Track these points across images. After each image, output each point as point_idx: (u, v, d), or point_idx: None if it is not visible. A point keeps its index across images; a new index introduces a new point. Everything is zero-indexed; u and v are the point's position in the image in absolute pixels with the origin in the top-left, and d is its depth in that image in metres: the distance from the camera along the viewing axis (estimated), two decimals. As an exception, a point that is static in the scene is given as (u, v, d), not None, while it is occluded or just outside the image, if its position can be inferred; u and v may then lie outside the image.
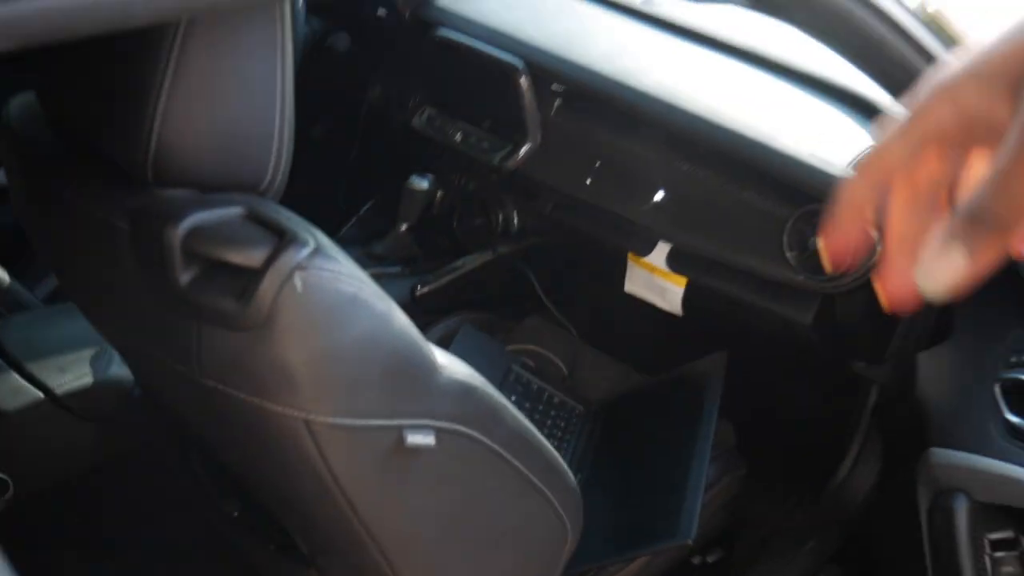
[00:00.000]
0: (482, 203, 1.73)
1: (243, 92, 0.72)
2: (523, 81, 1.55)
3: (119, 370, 1.35)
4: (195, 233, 0.70)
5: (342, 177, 1.94)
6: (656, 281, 1.55)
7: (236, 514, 1.11)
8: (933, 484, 1.17)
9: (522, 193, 1.69)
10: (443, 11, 1.69)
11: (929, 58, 1.03)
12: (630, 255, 1.56)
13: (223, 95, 0.71)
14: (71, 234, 0.80)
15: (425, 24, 1.69)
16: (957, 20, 1.15)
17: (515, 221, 1.72)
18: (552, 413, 1.51)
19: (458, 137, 1.66)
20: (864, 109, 1.40)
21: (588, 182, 1.54)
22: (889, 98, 1.26)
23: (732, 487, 1.45)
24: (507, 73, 1.55)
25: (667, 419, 1.45)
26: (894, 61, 1.04)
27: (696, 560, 1.46)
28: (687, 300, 1.53)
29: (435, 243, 1.78)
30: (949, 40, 1.10)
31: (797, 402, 1.73)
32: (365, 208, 1.90)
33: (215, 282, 0.70)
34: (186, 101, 0.69)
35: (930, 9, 1.06)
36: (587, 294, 1.78)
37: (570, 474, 1.03)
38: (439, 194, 1.74)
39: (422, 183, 1.66)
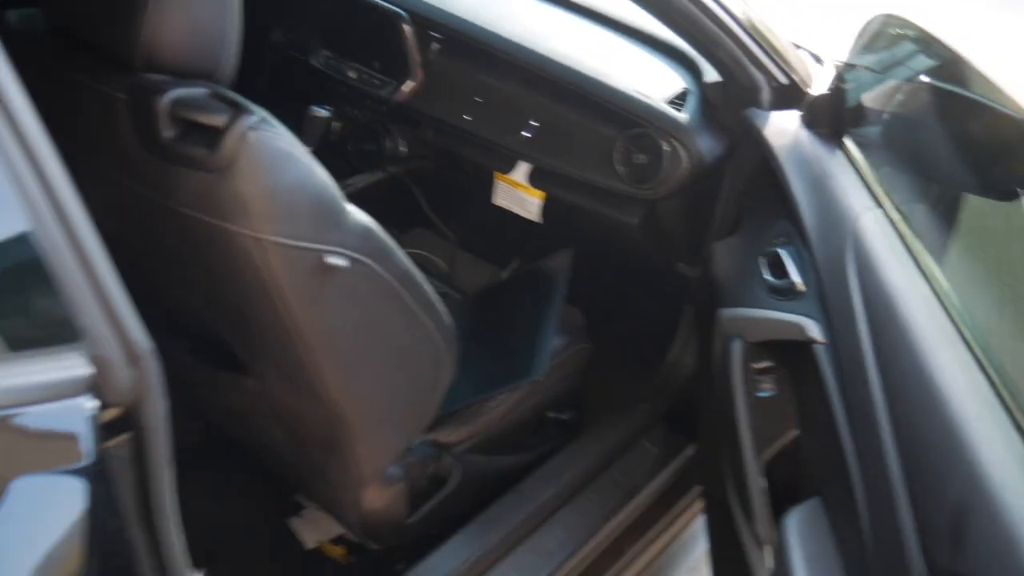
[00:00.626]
0: (373, 131, 2.04)
1: (207, 5, 1.01)
2: (406, 28, 1.86)
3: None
4: (176, 102, 1.00)
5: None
6: (518, 194, 1.90)
7: (185, 350, 1.39)
8: (721, 335, 1.54)
9: (407, 123, 2.00)
10: (338, -35, 1.98)
11: (708, 13, 1.41)
12: (496, 173, 1.90)
13: (193, 5, 1.00)
14: (72, 105, 1.07)
15: (321, -25, 1.98)
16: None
17: (401, 146, 2.03)
18: (433, 301, 1.84)
19: (352, 74, 1.96)
20: (674, 55, 1.77)
21: (464, 114, 1.87)
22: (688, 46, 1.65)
23: (581, 357, 1.80)
24: (392, 21, 1.86)
25: (525, 301, 1.80)
26: (683, 15, 1.41)
27: (552, 415, 1.81)
28: (544, 209, 1.88)
29: (332, 165, 2.07)
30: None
31: (634, 295, 2.11)
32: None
33: (190, 137, 1.00)
34: (166, 8, 0.98)
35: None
36: (463, 208, 2.10)
37: (448, 317, 1.36)
38: (335, 123, 2.03)
39: (321, 112, 1.94)
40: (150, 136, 1.01)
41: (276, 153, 1.02)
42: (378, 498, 1.44)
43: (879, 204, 1.30)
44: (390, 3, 1.88)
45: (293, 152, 1.04)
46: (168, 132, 1.00)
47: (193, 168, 1.01)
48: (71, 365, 0.70)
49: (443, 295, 1.87)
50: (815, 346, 1.28)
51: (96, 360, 0.71)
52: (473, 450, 1.62)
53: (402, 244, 2.06)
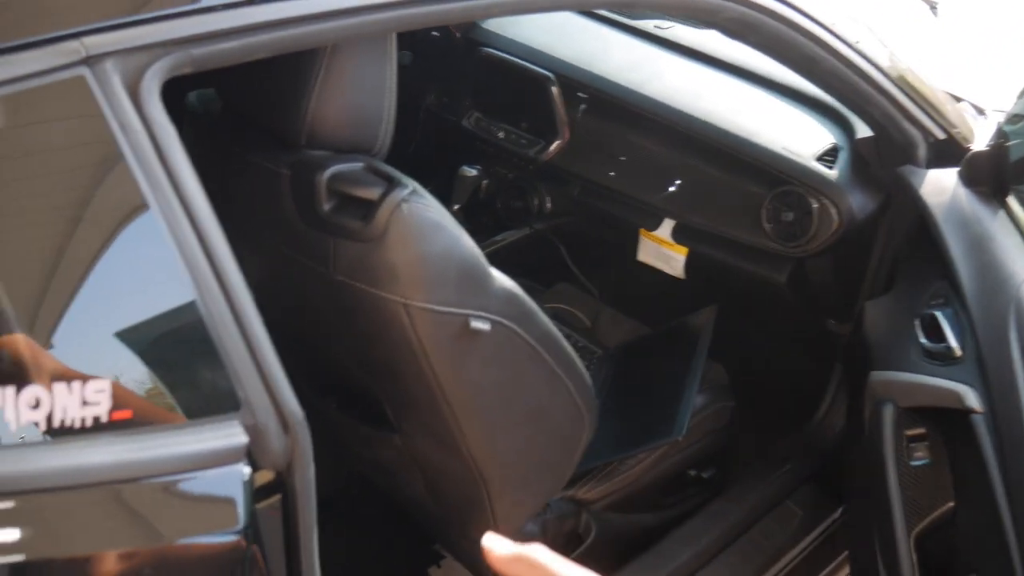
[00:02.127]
0: (520, 189, 2.10)
1: (366, 86, 1.09)
2: (554, 89, 1.91)
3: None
4: (334, 177, 1.07)
5: (403, 169, 2.30)
6: (663, 251, 1.91)
7: (334, 406, 1.47)
8: (871, 397, 1.50)
9: (554, 181, 2.05)
10: (488, 32, 2.06)
11: (855, 70, 1.39)
12: (641, 230, 1.92)
13: (354, 88, 1.08)
14: (240, 179, 1.17)
15: (473, 43, 2.07)
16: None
17: (548, 204, 2.08)
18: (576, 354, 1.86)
19: (501, 135, 2.03)
20: (824, 111, 1.74)
21: (609, 171, 1.90)
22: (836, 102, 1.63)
23: (723, 414, 1.78)
24: (541, 83, 1.92)
25: (668, 357, 1.80)
26: (831, 73, 1.39)
27: (692, 473, 1.79)
28: (688, 266, 1.88)
29: (481, 221, 2.14)
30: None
31: (780, 353, 2.06)
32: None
33: (347, 210, 1.07)
34: (331, 91, 1.06)
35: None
36: (607, 263, 2.13)
37: (588, 377, 1.38)
38: (484, 182, 2.11)
39: (472, 171, 2.03)
40: (310, 208, 1.08)
41: (426, 223, 1.07)
42: (516, 554, 1.46)
43: (1043, 268, 1.24)
44: (539, 66, 1.94)
45: (442, 222, 1.09)
46: (326, 205, 1.07)
47: (349, 239, 1.07)
48: (231, 434, 0.76)
49: (584, 350, 1.90)
50: (973, 416, 1.22)
51: (253, 428, 0.77)
52: (611, 508, 1.63)
53: (546, 299, 2.13)
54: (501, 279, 1.17)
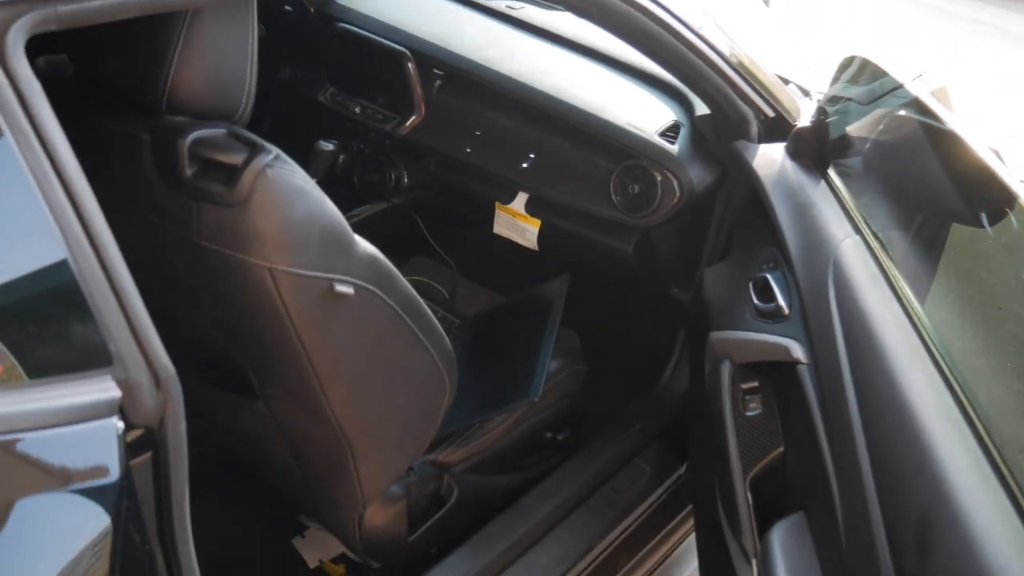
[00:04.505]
0: (378, 163, 2.12)
1: (228, 53, 1.09)
2: (410, 66, 1.95)
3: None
4: (196, 142, 1.07)
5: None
6: (517, 223, 1.97)
7: (194, 374, 1.46)
8: (711, 356, 1.61)
9: (411, 155, 2.09)
10: (343, 7, 2.07)
11: (693, 50, 1.49)
12: (496, 203, 1.98)
13: (215, 54, 1.08)
14: (98, 146, 1.15)
15: (328, 17, 2.08)
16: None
17: (405, 178, 2.11)
18: (435, 326, 1.91)
19: (357, 110, 2.05)
20: (666, 90, 1.85)
21: (465, 147, 1.95)
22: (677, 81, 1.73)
23: (577, 378, 1.87)
24: (397, 59, 1.95)
25: (523, 325, 1.87)
26: (670, 52, 1.49)
27: (548, 435, 1.87)
28: (541, 237, 1.96)
29: (338, 196, 2.15)
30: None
31: (628, 319, 2.18)
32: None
33: (209, 175, 1.08)
34: (191, 56, 1.06)
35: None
36: (463, 236, 2.18)
37: (448, 342, 1.43)
38: (341, 156, 2.12)
39: (328, 146, 2.02)
40: (172, 174, 1.08)
41: (290, 188, 1.09)
42: (379, 516, 1.50)
43: (859, 231, 1.37)
44: (395, 42, 1.97)
45: (305, 187, 1.11)
46: (189, 170, 1.08)
47: (212, 203, 1.08)
48: (103, 388, 0.76)
49: (443, 320, 1.95)
50: (799, 366, 1.34)
51: (125, 383, 0.78)
52: (472, 470, 1.69)
53: (404, 272, 2.15)
54: (363, 244, 1.21)
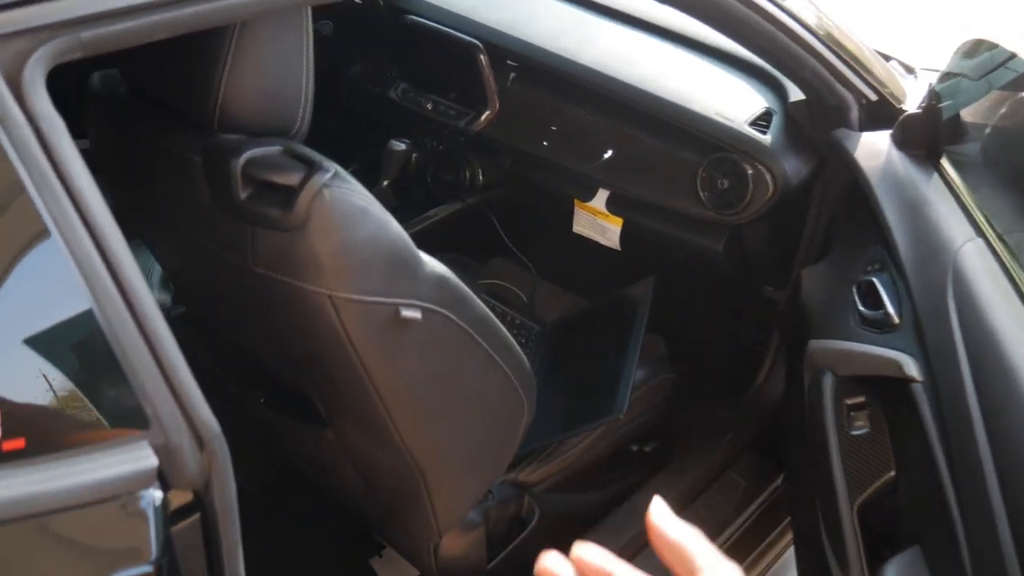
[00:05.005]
0: (451, 162, 2.04)
1: (281, 65, 1.02)
2: (482, 58, 1.85)
3: (157, 294, 1.63)
4: (250, 162, 1.00)
5: (327, 144, 2.22)
6: (598, 222, 1.87)
7: (262, 400, 1.41)
8: (811, 367, 1.48)
9: (485, 152, 1.99)
10: (412, -1, 1.99)
11: (787, 33, 1.36)
12: (576, 201, 1.88)
13: (268, 65, 1.01)
14: (150, 165, 1.09)
15: (397, 11, 1.99)
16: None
17: (480, 176, 2.02)
18: (513, 332, 1.82)
19: (429, 106, 1.96)
20: (757, 74, 1.72)
21: (541, 142, 1.85)
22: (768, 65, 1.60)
23: (663, 387, 1.76)
24: (468, 51, 1.86)
25: (606, 331, 1.77)
26: (762, 36, 1.36)
27: (635, 448, 1.77)
28: (624, 236, 1.84)
29: (412, 197, 2.08)
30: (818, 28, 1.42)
31: (718, 322, 2.05)
32: (350, 169, 2.17)
33: (265, 197, 1.01)
34: (242, 72, 0.99)
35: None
36: (542, 236, 2.08)
37: (525, 359, 1.34)
38: (414, 155, 2.04)
39: (400, 145, 1.96)
40: (225, 197, 1.01)
41: (350, 209, 1.01)
42: (456, 546, 1.43)
43: (981, 233, 1.22)
44: (466, 33, 1.87)
45: (367, 207, 1.03)
46: (243, 192, 1.01)
47: (268, 228, 1.01)
48: (139, 456, 0.69)
49: (522, 327, 1.86)
50: (913, 385, 1.21)
51: (163, 448, 0.71)
52: (553, 489, 1.60)
53: (481, 275, 2.08)
54: (431, 263, 1.12)
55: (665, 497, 1.79)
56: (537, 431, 1.50)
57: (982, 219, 1.24)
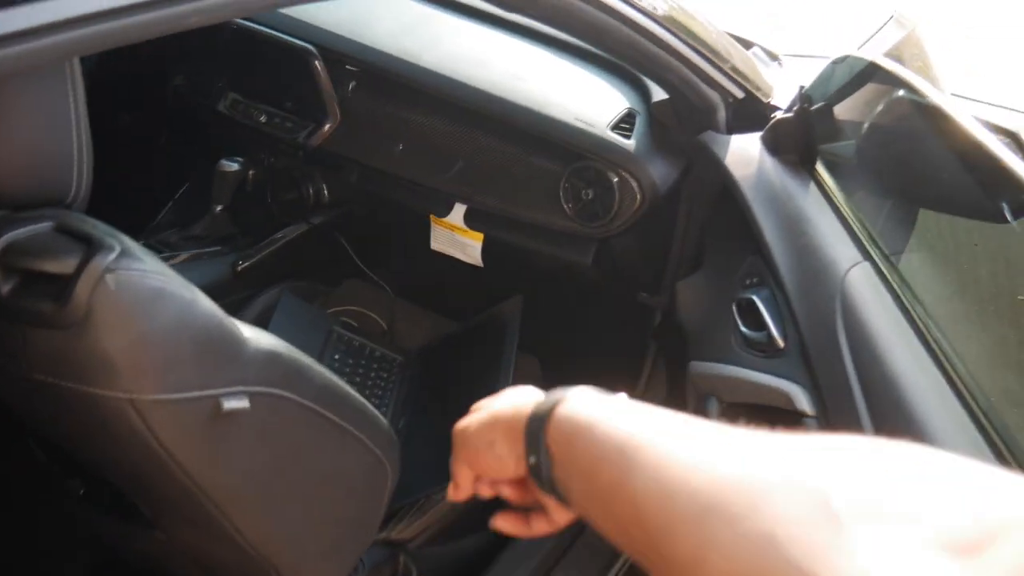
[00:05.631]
0: (292, 179, 1.84)
1: (41, 123, 0.82)
2: (317, 64, 1.66)
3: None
4: (10, 248, 0.80)
5: (154, 163, 1.99)
6: (457, 238, 1.72)
7: (81, 492, 1.21)
8: (694, 391, 1.39)
9: (329, 167, 1.81)
10: None
11: (650, 37, 1.23)
12: (432, 216, 1.72)
13: (23, 127, 0.81)
14: None
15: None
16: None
17: (325, 193, 1.84)
18: (374, 366, 1.66)
19: (263, 119, 1.76)
20: (617, 71, 1.59)
21: (389, 153, 1.67)
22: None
23: (539, 413, 1.64)
24: (302, 57, 1.66)
25: (475, 359, 1.63)
26: (623, 43, 1.23)
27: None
28: (485, 252, 1.70)
29: (252, 219, 1.87)
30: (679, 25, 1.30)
31: (592, 335, 1.94)
32: (180, 192, 1.96)
33: (34, 289, 0.81)
34: (-12, 136, 0.79)
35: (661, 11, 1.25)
36: (397, 255, 1.92)
37: (381, 417, 1.18)
38: (250, 173, 1.83)
39: (232, 165, 1.75)
40: (-19, 293, 0.81)
41: (142, 295, 0.83)
42: (332, 627, 1.27)
43: (867, 255, 1.13)
44: (298, 38, 1.68)
45: (165, 288, 0.85)
46: (4, 286, 0.81)
47: (41, 326, 0.82)
48: None
49: (382, 359, 1.70)
50: (806, 419, 1.12)
51: None
52: (431, 541, 1.46)
53: (333, 301, 1.90)
54: (255, 339, 0.95)
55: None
56: (406, 484, 1.35)
57: (866, 238, 1.15)
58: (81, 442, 0.94)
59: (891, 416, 1.00)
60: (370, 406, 1.15)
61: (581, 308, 1.90)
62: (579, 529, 1.62)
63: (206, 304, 0.89)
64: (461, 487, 0.68)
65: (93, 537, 1.27)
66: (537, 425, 0.57)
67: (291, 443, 1.03)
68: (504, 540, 1.57)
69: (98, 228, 0.85)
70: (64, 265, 0.80)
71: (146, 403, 0.85)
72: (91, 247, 0.82)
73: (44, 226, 0.83)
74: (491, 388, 1.49)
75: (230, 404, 0.91)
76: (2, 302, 0.81)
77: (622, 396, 0.58)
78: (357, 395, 1.12)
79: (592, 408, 0.53)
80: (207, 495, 0.96)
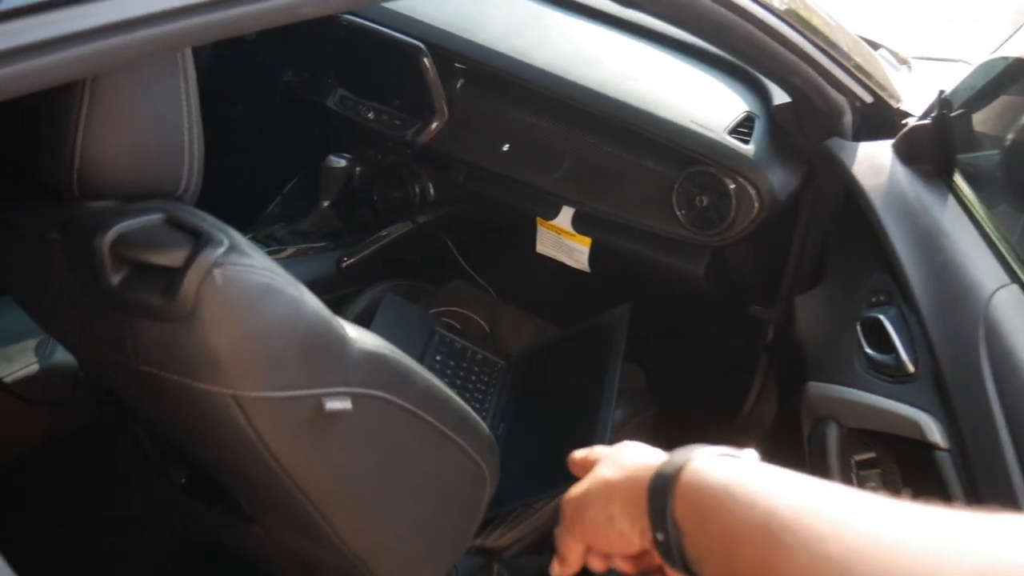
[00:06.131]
0: (399, 176, 1.83)
1: (152, 114, 0.81)
2: (426, 61, 1.64)
3: (64, 356, 1.43)
4: (121, 240, 0.80)
5: (264, 157, 2.01)
6: (564, 242, 1.67)
7: (183, 481, 1.21)
8: (810, 414, 1.31)
9: (436, 166, 1.79)
10: (348, -5, 1.76)
11: (774, 35, 1.16)
12: (538, 219, 1.68)
13: (134, 118, 0.80)
14: (10, 247, 0.89)
15: (332, 8, 1.77)
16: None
17: (431, 192, 1.82)
18: (476, 369, 1.63)
19: (371, 115, 1.75)
20: (736, 73, 1.52)
21: (496, 153, 1.64)
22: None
23: (646, 425, 1.59)
24: (411, 54, 1.64)
25: (579, 367, 1.58)
26: (745, 41, 1.16)
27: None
28: (593, 258, 1.65)
29: (357, 216, 1.87)
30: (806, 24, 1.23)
31: (701, 346, 1.87)
32: (289, 187, 1.97)
33: (143, 281, 0.80)
34: (101, 127, 0.78)
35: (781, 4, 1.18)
36: (502, 257, 1.88)
37: (482, 423, 1.15)
38: (358, 170, 1.83)
39: (339, 161, 1.75)
40: (93, 282, 0.81)
41: (250, 291, 0.81)
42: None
43: (1015, 278, 1.04)
44: (408, 35, 1.66)
45: (271, 284, 0.83)
46: (114, 277, 0.80)
47: (148, 318, 0.81)
48: None
49: (484, 362, 1.67)
50: (938, 453, 1.04)
51: None
52: (526, 551, 1.42)
53: (436, 301, 1.87)
54: (360, 340, 0.93)
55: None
56: (506, 492, 1.31)
57: (1014, 259, 1.06)
58: (184, 434, 0.94)
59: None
60: (471, 411, 1.12)
61: (690, 319, 1.84)
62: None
63: (313, 302, 0.87)
64: (569, 562, 0.61)
65: (195, 524, 1.27)
66: (662, 496, 0.51)
67: (391, 446, 1.01)
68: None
69: (207, 221, 0.84)
70: (173, 258, 0.79)
71: (249, 399, 0.83)
72: (200, 241, 0.80)
73: (154, 218, 0.83)
74: (595, 398, 1.46)
75: (332, 405, 0.89)
76: (111, 292, 0.80)
77: (751, 454, 0.52)
78: (459, 400, 1.09)
79: (722, 473, 0.47)
80: (305, 494, 0.94)
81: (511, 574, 1.40)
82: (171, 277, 0.79)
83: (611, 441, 1.39)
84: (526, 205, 1.67)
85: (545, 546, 1.46)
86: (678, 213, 1.49)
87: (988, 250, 1.08)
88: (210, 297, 0.79)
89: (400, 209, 1.84)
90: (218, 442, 0.89)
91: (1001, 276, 1.04)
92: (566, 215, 1.64)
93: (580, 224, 1.63)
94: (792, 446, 1.38)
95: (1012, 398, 0.94)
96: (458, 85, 1.67)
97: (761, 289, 1.64)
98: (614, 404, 1.45)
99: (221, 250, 0.80)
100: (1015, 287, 1.02)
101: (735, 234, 1.46)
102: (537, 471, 1.43)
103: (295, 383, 0.86)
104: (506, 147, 1.62)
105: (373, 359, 0.93)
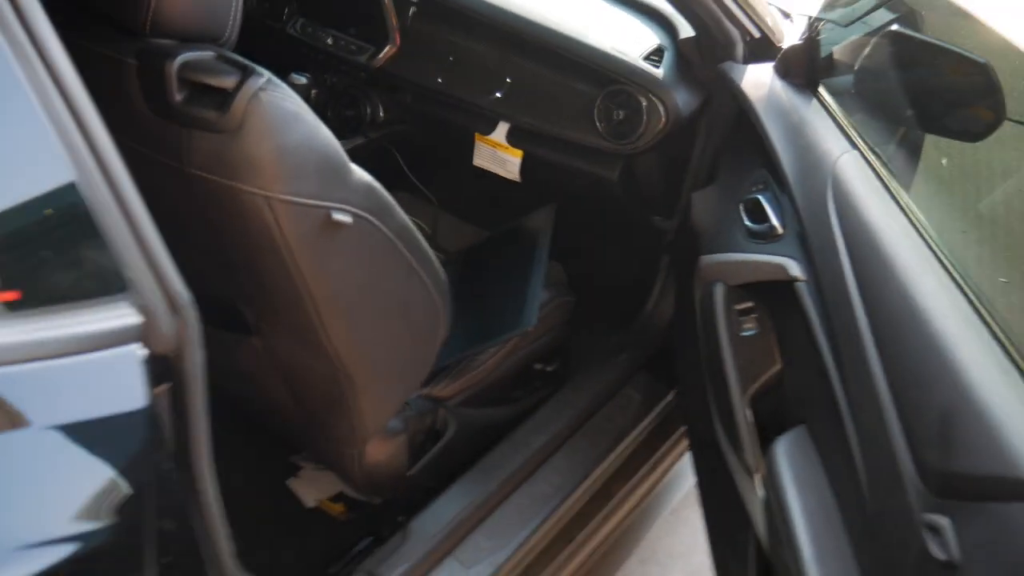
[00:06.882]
0: (352, 97, 2.06)
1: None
2: (383, -8, 1.89)
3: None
4: (186, 65, 1.03)
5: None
6: (498, 155, 1.94)
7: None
8: (702, 281, 1.60)
9: (386, 88, 2.03)
10: (310, -68, 2.00)
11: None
12: (476, 134, 1.94)
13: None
14: (82, 72, 1.10)
15: (293, -57, 2.00)
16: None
17: (381, 112, 2.06)
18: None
19: (329, 41, 1.99)
20: (649, 13, 1.82)
21: (441, 77, 1.90)
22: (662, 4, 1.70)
23: (565, 309, 1.86)
24: (370, -14, 1.89)
25: (510, 257, 1.85)
26: None
27: (538, 367, 1.86)
28: (523, 168, 1.93)
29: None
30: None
31: (612, 249, 2.16)
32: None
33: (200, 100, 1.03)
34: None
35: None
36: (444, 170, 2.14)
37: (442, 271, 1.40)
38: (313, 92, 2.06)
39: (301, 78, 1.96)
40: (160, 99, 1.04)
41: (284, 113, 1.05)
42: (381, 451, 1.49)
43: (855, 146, 1.36)
44: (365, -31, 1.90)
45: (300, 112, 1.07)
46: (178, 95, 1.03)
47: (203, 129, 1.04)
48: (121, 314, 0.73)
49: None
50: (797, 284, 1.34)
51: (143, 310, 0.75)
52: (466, 403, 1.68)
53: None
54: (359, 172, 1.17)
55: (568, 412, 1.88)
56: (451, 347, 1.57)
57: (856, 135, 1.38)
58: (219, 236, 1.16)
59: (873, 269, 1.21)
60: (436, 260, 1.37)
61: (603, 226, 2.12)
62: (589, 413, 1.85)
63: (327, 132, 1.11)
64: None
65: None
66: None
67: (374, 266, 1.25)
68: (525, 414, 1.79)
69: (248, 61, 1.07)
70: (226, 82, 1.03)
71: (277, 201, 1.07)
72: (246, 72, 1.04)
73: (208, 54, 1.06)
74: (525, 281, 1.73)
75: (338, 216, 1.13)
76: (174, 107, 1.03)
77: None
78: (427, 245, 1.34)
79: None
80: (311, 295, 1.17)
81: (454, 420, 1.65)
82: (224, 97, 1.02)
83: (539, 320, 1.67)
84: (466, 122, 1.93)
85: (481, 401, 1.72)
86: (598, 125, 1.77)
87: (838, 131, 1.40)
88: (254, 114, 1.03)
89: (353, 127, 2.07)
90: (248, 241, 1.12)
91: (845, 145, 1.36)
92: (501, 130, 1.91)
93: (514, 138, 1.90)
94: (687, 316, 1.67)
95: (851, 232, 1.25)
96: (410, 14, 1.92)
97: (663, 201, 1.94)
98: (542, 281, 1.73)
99: (263, 79, 1.04)
100: (855, 152, 1.33)
101: (644, 143, 1.75)
102: (476, 332, 1.69)
103: (312, 193, 1.10)
104: (452, 69, 1.88)
105: (369, 187, 1.18)
